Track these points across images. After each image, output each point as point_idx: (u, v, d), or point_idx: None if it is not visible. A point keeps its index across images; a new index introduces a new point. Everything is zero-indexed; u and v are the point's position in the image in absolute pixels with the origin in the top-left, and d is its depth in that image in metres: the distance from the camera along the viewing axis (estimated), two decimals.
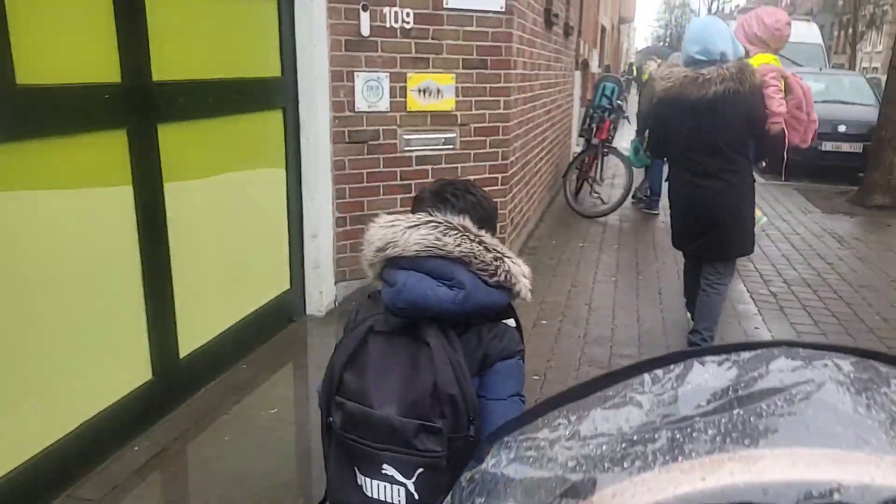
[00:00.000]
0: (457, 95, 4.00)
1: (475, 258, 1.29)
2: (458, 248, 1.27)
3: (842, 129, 9.43)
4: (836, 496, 0.42)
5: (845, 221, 7.12)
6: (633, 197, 7.23)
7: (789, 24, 3.49)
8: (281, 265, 3.56)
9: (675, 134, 3.09)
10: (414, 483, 1.22)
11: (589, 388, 0.63)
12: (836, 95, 10.56)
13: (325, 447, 1.38)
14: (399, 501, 1.23)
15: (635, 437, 0.52)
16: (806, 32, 14.55)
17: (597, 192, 7.12)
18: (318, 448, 1.48)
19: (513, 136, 4.42)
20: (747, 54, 3.22)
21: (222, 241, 2.99)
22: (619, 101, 7.24)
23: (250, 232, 3.21)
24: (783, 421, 0.50)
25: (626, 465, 0.50)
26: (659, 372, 0.60)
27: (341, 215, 3.80)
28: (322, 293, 3.74)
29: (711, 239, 3.11)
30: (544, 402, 0.65)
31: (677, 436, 0.51)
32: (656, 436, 0.51)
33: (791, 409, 0.50)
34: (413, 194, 2.02)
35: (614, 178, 8.10)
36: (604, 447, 0.53)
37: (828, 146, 9.41)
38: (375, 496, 1.25)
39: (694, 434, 0.50)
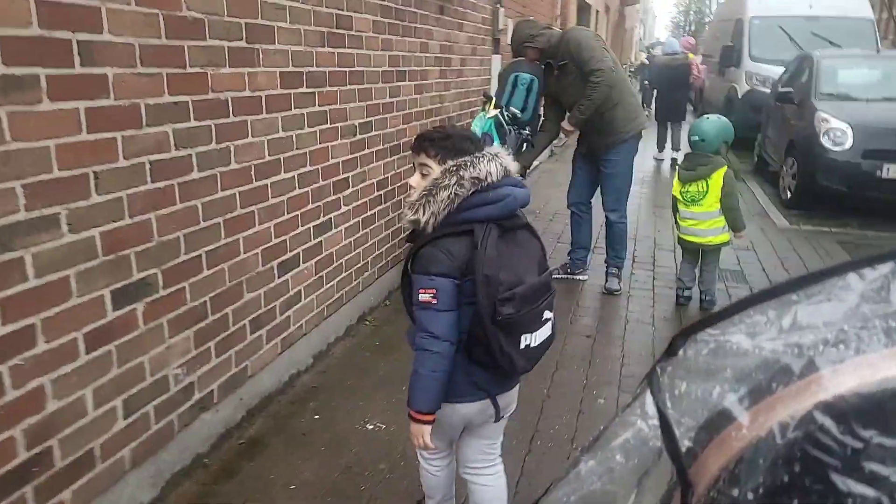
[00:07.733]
0: None
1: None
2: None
3: None
4: None
5: None
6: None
7: (692, 43, 11.91)
8: None
9: (662, 78, 9.98)
10: (552, 312, 1.83)
11: (785, 288, 0.64)
12: None
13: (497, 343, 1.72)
14: (549, 333, 1.80)
15: (846, 327, 0.55)
16: (850, 4, 11.07)
17: None
18: None
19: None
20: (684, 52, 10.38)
21: None
22: (515, 110, 4.08)
23: None
24: None
25: (842, 348, 0.53)
26: (866, 270, 0.61)
27: None
28: None
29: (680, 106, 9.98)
30: (735, 304, 0.64)
31: (893, 324, 0.54)
32: (870, 325, 0.55)
33: None
34: None
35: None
36: (811, 336, 0.56)
37: (890, 171, 6.00)
38: (536, 344, 1.75)
39: None
